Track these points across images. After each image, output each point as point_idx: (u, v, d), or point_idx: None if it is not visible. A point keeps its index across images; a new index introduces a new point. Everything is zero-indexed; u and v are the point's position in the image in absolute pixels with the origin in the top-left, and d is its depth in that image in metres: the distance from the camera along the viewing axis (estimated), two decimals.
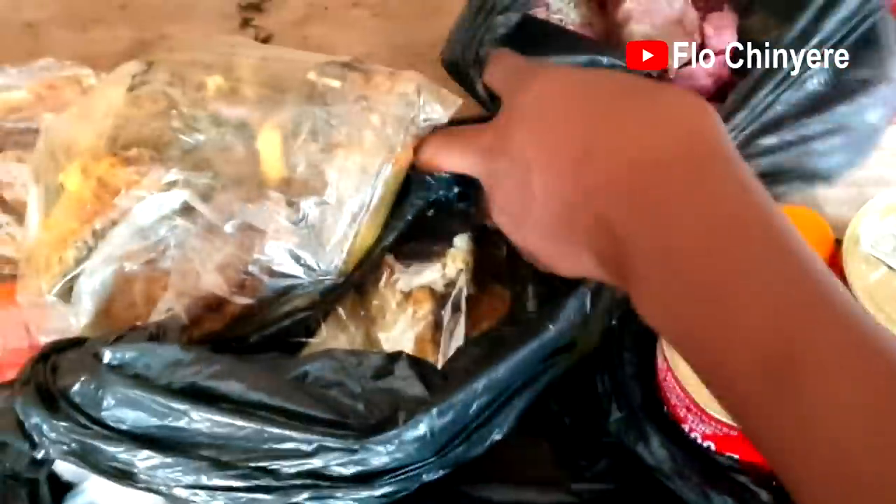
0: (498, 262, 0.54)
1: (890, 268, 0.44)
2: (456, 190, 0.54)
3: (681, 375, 0.42)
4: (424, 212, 0.52)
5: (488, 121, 0.43)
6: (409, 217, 0.50)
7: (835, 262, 0.45)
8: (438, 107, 0.48)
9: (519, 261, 0.51)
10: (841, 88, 0.52)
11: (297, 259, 0.46)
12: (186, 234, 0.47)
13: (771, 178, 0.52)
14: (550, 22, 0.59)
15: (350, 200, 0.46)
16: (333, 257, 0.46)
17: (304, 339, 0.50)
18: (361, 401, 0.39)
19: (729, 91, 0.60)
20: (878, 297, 0.43)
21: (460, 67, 0.57)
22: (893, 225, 0.45)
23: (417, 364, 0.42)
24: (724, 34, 0.58)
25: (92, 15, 0.76)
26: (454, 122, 0.49)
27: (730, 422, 0.41)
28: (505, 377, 0.40)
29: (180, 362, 0.39)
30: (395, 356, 0.42)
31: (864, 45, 0.53)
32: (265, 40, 0.72)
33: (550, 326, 0.42)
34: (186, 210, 0.47)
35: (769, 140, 0.52)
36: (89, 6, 0.77)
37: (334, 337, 0.50)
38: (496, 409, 0.41)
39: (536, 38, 0.56)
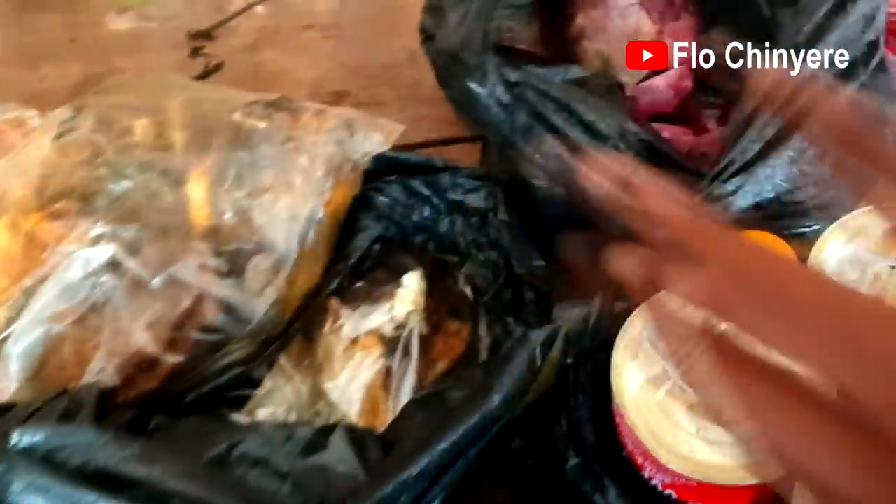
0: (454, 296, 0.51)
1: None
2: (414, 220, 0.51)
3: (632, 424, 0.39)
4: (371, 250, 0.50)
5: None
6: (354, 259, 0.48)
7: None
8: (376, 136, 0.46)
9: (476, 297, 0.49)
10: None
11: (229, 311, 0.44)
12: (114, 291, 0.45)
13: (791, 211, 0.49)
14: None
15: (281, 247, 0.44)
16: (266, 307, 0.44)
17: (248, 392, 0.48)
18: (288, 483, 0.36)
19: (690, 103, 0.58)
20: None
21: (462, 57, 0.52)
22: (860, 249, 0.42)
23: (354, 436, 0.39)
24: (681, 46, 0.55)
25: (42, 51, 0.74)
26: (441, 142, 0.47)
27: (685, 472, 0.38)
28: (449, 450, 0.38)
29: (93, 444, 0.37)
30: (329, 428, 0.40)
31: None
32: (216, 68, 0.70)
33: (495, 397, 0.39)
34: (114, 265, 0.45)
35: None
36: (38, 43, 0.74)
37: (279, 388, 0.48)
38: (438, 476, 0.38)
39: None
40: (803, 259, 0.44)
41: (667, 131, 0.55)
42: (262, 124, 0.45)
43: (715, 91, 0.57)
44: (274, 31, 0.72)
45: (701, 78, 0.58)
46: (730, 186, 0.47)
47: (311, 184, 0.44)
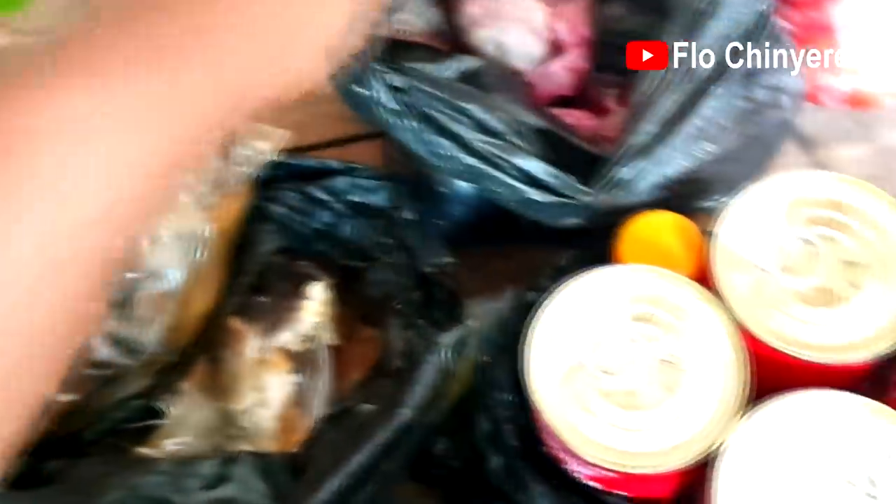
0: (366, 302, 0.50)
1: (764, 270, 0.41)
2: (314, 227, 0.49)
3: (548, 418, 0.38)
4: (272, 263, 0.47)
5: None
6: (253, 274, 0.46)
7: (709, 271, 0.42)
8: (261, 144, 0.44)
9: (386, 303, 0.47)
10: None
11: (118, 343, 0.41)
12: None
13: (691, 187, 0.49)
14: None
15: (168, 271, 0.41)
16: (158, 335, 0.41)
17: (154, 423, 0.46)
18: None
19: (589, 86, 0.57)
20: (751, 304, 0.40)
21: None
22: (764, 222, 0.42)
23: (260, 463, 0.37)
24: (577, 27, 0.54)
25: None
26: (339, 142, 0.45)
27: (605, 464, 0.37)
28: (362, 468, 0.36)
29: None
30: (233, 457, 0.37)
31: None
32: None
33: (405, 410, 0.38)
34: None
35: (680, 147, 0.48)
36: None
37: (186, 417, 0.46)
38: (352, 495, 0.37)
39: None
40: (708, 233, 0.43)
41: (569, 117, 0.54)
42: None
43: (615, 70, 0.57)
44: None
45: (599, 58, 0.57)
46: (630, 170, 0.46)
47: (196, 202, 0.41)
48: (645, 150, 0.46)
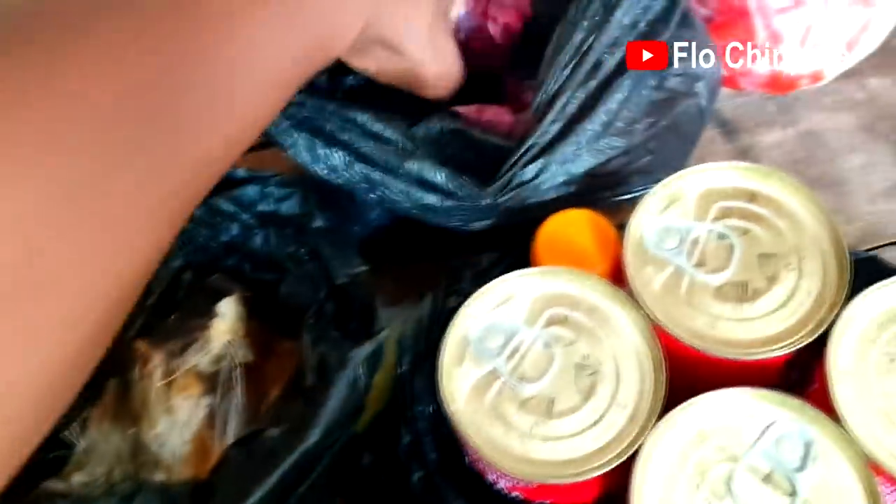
0: (281, 315, 0.48)
1: (678, 267, 0.40)
2: (223, 240, 0.48)
3: (464, 430, 0.37)
4: (180, 280, 0.46)
5: None
6: (158, 294, 0.44)
7: (623, 268, 0.41)
8: None
9: (300, 316, 0.45)
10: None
11: None
12: None
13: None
14: None
15: None
16: None
17: (63, 453, 0.44)
18: None
19: (510, 79, 0.56)
20: (666, 301, 0.39)
21: None
22: (676, 215, 0.41)
23: (162, 496, 0.36)
24: None
25: None
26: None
27: (523, 476, 0.36)
28: (270, 495, 0.35)
29: None
30: (133, 492, 0.36)
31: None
32: None
33: (314, 432, 0.36)
34: None
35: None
36: None
37: (96, 446, 0.44)
38: None
39: None
40: (621, 228, 0.42)
41: (487, 113, 0.52)
42: None
43: (532, 63, 0.56)
44: None
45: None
46: (532, 169, 0.45)
47: None
48: (547, 149, 0.45)
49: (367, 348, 0.40)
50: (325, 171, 0.45)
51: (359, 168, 0.44)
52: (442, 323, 0.41)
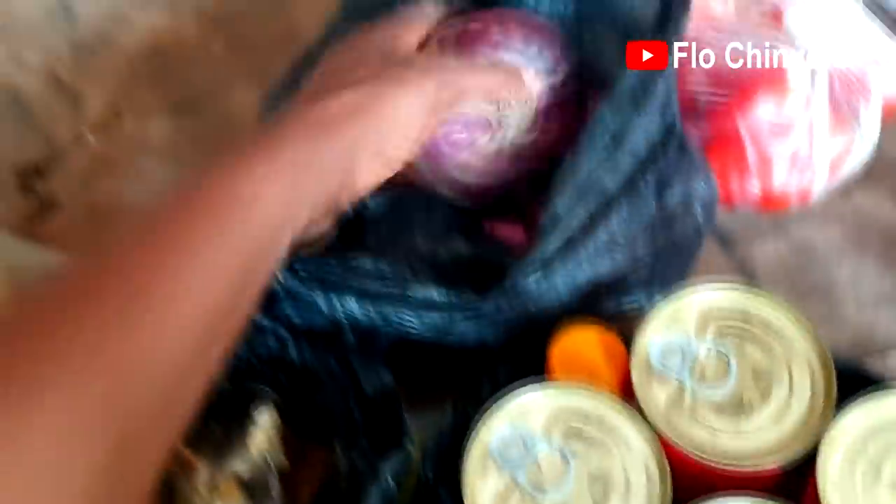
0: (312, 423, 0.51)
1: (681, 382, 0.44)
2: (260, 351, 0.51)
3: None
4: (221, 388, 0.49)
5: None
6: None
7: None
8: None
9: (331, 425, 0.49)
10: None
11: None
12: None
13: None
14: None
15: None
16: None
17: None
18: None
19: (522, 194, 0.60)
20: (670, 415, 0.43)
21: None
22: (680, 335, 0.45)
23: None
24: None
25: None
26: None
27: None
28: None
29: None
30: None
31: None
32: (50, 206, 0.68)
33: None
34: None
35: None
36: None
37: None
38: None
39: None
40: (624, 336, 0.46)
41: (502, 229, 0.57)
42: None
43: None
44: (108, 159, 0.71)
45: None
46: (533, 281, 0.49)
47: None
48: (549, 262, 0.49)
49: (395, 460, 0.44)
50: (344, 317, 0.49)
51: (372, 307, 0.49)
52: (463, 432, 0.45)
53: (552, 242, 0.50)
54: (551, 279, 0.49)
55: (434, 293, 0.49)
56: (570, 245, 0.50)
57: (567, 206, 0.49)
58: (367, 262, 0.50)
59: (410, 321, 0.49)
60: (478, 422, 0.44)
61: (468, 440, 0.43)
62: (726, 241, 0.60)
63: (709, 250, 0.59)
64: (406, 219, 0.53)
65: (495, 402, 0.44)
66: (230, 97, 0.73)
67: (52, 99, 0.75)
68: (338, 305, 0.49)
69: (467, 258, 0.52)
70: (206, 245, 0.36)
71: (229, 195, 0.38)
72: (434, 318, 0.49)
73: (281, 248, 0.41)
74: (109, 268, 0.35)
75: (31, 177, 0.70)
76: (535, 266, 0.49)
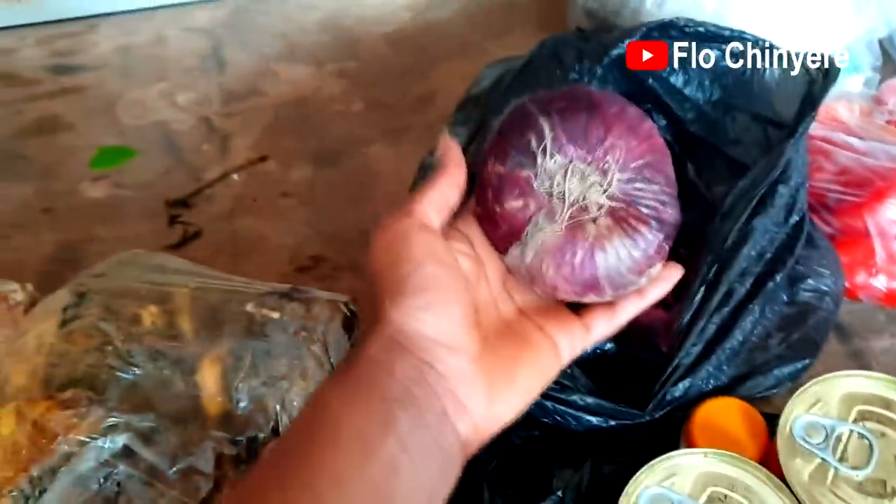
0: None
1: (824, 460, 0.46)
2: None
3: None
4: None
5: None
6: None
7: (772, 455, 0.47)
8: None
9: (483, 469, 0.52)
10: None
11: None
12: (129, 481, 0.46)
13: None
14: None
15: None
16: None
17: None
18: None
19: None
20: (812, 489, 0.45)
21: None
22: (822, 414, 0.48)
23: None
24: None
25: (14, 220, 0.76)
26: None
27: None
28: None
29: None
30: None
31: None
32: (194, 236, 0.73)
33: None
34: (128, 455, 0.46)
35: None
36: (11, 212, 0.76)
37: None
38: None
39: None
40: (766, 418, 0.49)
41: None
42: (275, 315, 0.48)
43: None
44: (251, 197, 0.75)
45: None
46: (680, 388, 0.52)
47: (323, 370, 0.47)
48: (692, 368, 0.52)
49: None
50: None
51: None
52: (601, 485, 0.47)
53: (691, 350, 0.53)
54: (696, 385, 0.52)
55: (598, 403, 0.51)
56: (710, 350, 0.54)
57: (694, 309, 0.52)
58: None
59: (567, 419, 0.52)
60: (612, 476, 0.46)
61: (620, 499, 0.45)
62: (843, 332, 0.63)
63: (827, 341, 0.62)
64: None
65: (645, 464, 0.46)
66: (366, 151, 0.78)
67: (201, 139, 0.80)
68: None
69: (611, 355, 0.55)
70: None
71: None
72: (591, 420, 0.52)
73: None
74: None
75: (178, 208, 0.75)
76: (679, 374, 0.52)
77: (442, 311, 0.37)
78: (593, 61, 0.60)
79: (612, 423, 0.51)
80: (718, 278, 0.53)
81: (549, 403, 0.51)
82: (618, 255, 0.39)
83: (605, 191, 0.39)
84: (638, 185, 0.40)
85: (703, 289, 0.53)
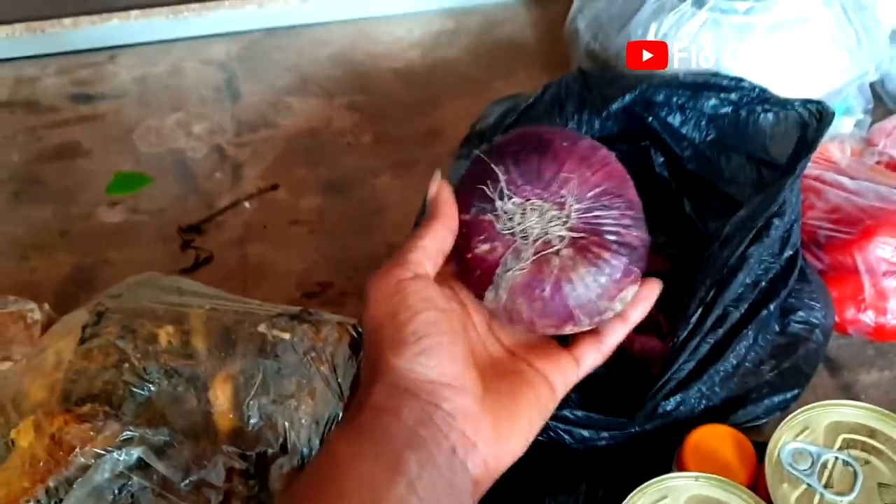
0: None
1: (809, 486, 0.48)
2: None
3: None
4: None
5: None
6: None
7: (761, 481, 0.49)
8: None
9: None
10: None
11: None
12: (143, 493, 0.48)
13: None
14: None
15: (303, 449, 0.48)
16: None
17: None
18: None
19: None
20: None
21: None
22: (809, 441, 0.50)
23: None
24: None
25: (33, 242, 0.78)
26: None
27: None
28: None
29: None
30: None
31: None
32: (206, 261, 0.75)
33: None
34: (142, 468, 0.48)
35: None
36: (30, 234, 0.79)
37: None
38: None
39: None
40: (756, 446, 0.51)
41: (636, 343, 0.62)
42: (286, 335, 0.50)
43: None
44: (261, 225, 0.78)
45: None
46: (672, 403, 0.54)
47: (331, 390, 0.49)
48: (684, 384, 0.54)
49: None
50: None
51: None
52: None
53: (684, 366, 0.55)
54: (688, 402, 0.54)
55: (588, 416, 0.54)
56: (703, 369, 0.56)
57: (689, 329, 0.54)
58: None
59: (560, 434, 0.54)
60: (606, 500, 0.48)
61: None
62: (833, 365, 0.65)
63: (818, 374, 0.64)
64: None
65: (637, 487, 0.48)
66: (375, 183, 0.81)
67: (214, 167, 0.83)
68: None
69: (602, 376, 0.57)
70: None
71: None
72: (583, 433, 0.54)
73: None
74: None
75: (191, 234, 0.77)
76: (671, 388, 0.54)
77: (443, 354, 0.39)
78: (593, 113, 0.63)
79: (605, 434, 0.53)
80: (714, 301, 0.55)
81: None
82: (584, 283, 0.41)
83: (564, 223, 0.41)
84: (597, 212, 0.42)
85: (700, 310, 0.55)
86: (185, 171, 0.83)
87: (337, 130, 0.86)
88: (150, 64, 0.95)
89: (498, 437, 0.40)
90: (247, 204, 0.80)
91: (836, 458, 0.49)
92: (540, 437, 0.54)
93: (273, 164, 0.83)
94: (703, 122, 0.66)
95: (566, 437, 0.54)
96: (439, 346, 0.39)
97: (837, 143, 0.71)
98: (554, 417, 0.53)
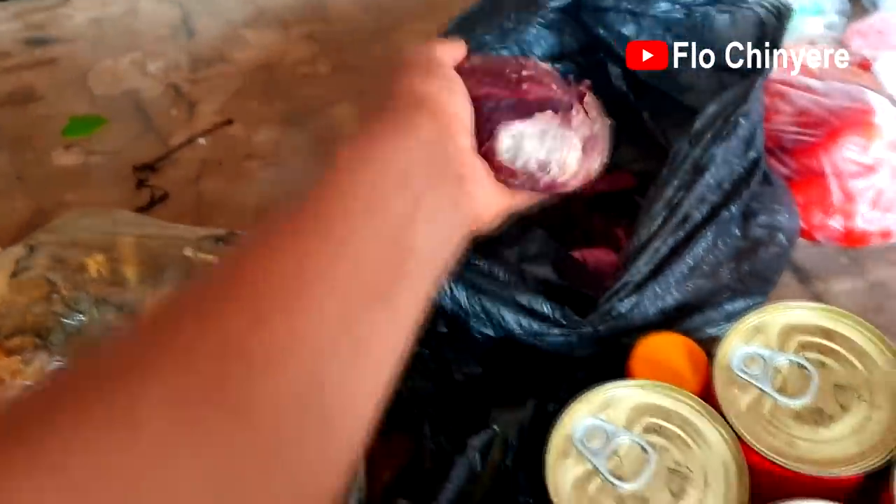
0: (399, 407, 0.54)
1: (761, 390, 0.45)
2: None
3: None
4: None
5: None
6: None
7: (712, 390, 0.47)
8: None
9: (423, 406, 0.52)
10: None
11: None
12: None
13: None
14: None
15: None
16: None
17: None
18: None
19: (604, 224, 0.63)
20: (750, 420, 0.45)
21: None
22: (760, 346, 0.47)
23: None
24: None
25: None
26: None
27: None
28: None
29: None
30: None
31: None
32: (161, 199, 0.73)
33: None
34: None
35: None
36: None
37: None
38: None
39: None
40: (711, 356, 0.48)
41: (590, 256, 0.60)
42: (211, 258, 0.48)
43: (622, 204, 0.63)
44: (216, 161, 0.76)
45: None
46: (626, 304, 0.52)
47: None
48: (641, 286, 0.51)
49: (482, 437, 0.46)
50: (451, 304, 0.52)
51: (478, 300, 0.52)
52: (542, 427, 0.47)
53: (642, 268, 0.52)
54: (643, 303, 0.52)
55: (540, 304, 0.52)
56: (659, 270, 0.53)
57: (652, 231, 0.52)
58: (481, 261, 0.53)
59: (509, 322, 0.52)
60: (563, 412, 0.46)
61: (552, 427, 0.45)
62: (803, 275, 0.62)
63: (787, 283, 0.61)
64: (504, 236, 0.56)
65: (572, 397, 0.46)
66: (332, 113, 0.78)
67: (169, 105, 0.81)
68: (446, 290, 0.52)
69: (553, 285, 0.55)
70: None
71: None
72: (533, 325, 0.52)
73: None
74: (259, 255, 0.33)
75: (145, 172, 0.75)
76: (627, 290, 0.51)
77: (463, 97, 0.45)
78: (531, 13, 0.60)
79: (555, 331, 0.51)
80: (681, 201, 0.53)
81: (493, 308, 0.52)
82: None
83: None
84: None
85: (666, 210, 0.52)
86: (141, 111, 0.81)
87: (294, 62, 0.83)
88: (105, 5, 0.93)
89: (495, 183, 0.47)
90: (202, 140, 0.77)
91: (790, 360, 0.47)
92: (485, 325, 0.53)
93: (229, 99, 0.81)
94: (658, 31, 0.63)
95: (516, 327, 0.52)
96: (462, 91, 0.46)
97: (807, 45, 0.68)
98: (507, 303, 0.52)
